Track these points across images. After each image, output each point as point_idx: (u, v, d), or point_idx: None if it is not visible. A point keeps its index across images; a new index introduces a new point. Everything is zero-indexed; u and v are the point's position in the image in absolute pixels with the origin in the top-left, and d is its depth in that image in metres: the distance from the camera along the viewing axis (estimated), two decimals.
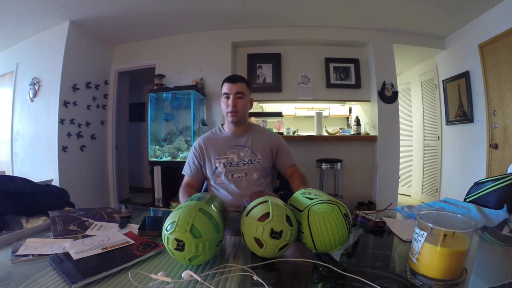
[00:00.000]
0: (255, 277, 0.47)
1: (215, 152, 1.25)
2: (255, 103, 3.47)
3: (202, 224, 0.50)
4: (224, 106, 1.24)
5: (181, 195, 1.21)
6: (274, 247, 0.52)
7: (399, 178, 3.24)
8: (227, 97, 1.22)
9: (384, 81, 3.16)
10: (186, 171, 1.31)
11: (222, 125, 1.36)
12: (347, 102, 3.60)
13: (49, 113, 2.93)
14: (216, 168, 1.24)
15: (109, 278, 0.48)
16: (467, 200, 0.94)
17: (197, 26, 3.17)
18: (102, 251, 0.56)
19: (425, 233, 0.48)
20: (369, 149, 3.24)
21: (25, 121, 3.15)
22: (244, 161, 1.24)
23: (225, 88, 1.22)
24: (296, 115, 3.78)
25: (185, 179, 1.31)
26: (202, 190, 1.36)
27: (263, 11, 2.84)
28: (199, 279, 0.45)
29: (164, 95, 3.22)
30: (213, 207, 0.57)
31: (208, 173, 1.27)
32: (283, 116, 3.32)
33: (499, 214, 0.78)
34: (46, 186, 1.02)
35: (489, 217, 0.78)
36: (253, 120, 3.27)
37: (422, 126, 3.92)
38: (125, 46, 3.60)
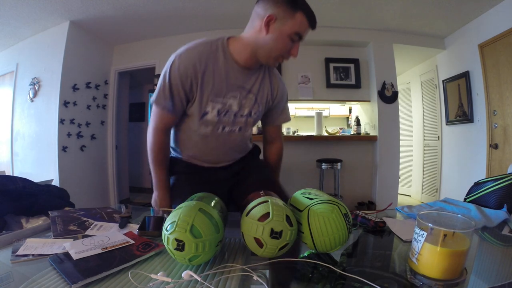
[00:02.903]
0: (255, 277, 0.47)
1: (212, 89, 0.86)
2: None
3: (202, 224, 0.50)
4: (283, 46, 0.81)
5: (155, 156, 0.92)
6: (274, 247, 0.52)
7: (399, 178, 3.24)
8: (294, 40, 0.81)
9: (384, 81, 3.16)
10: (166, 104, 0.86)
11: (228, 39, 0.92)
12: (347, 102, 3.60)
13: (49, 113, 2.93)
14: (205, 114, 0.88)
15: (109, 278, 0.48)
16: (467, 200, 0.94)
17: (197, 26, 3.17)
18: (102, 251, 0.56)
19: (425, 233, 0.48)
20: (369, 149, 3.24)
21: (25, 121, 3.15)
22: (243, 112, 0.94)
23: (301, 27, 0.79)
24: (296, 115, 3.78)
25: (161, 118, 0.89)
26: None
27: None
28: (199, 279, 0.45)
29: None
30: (213, 207, 0.57)
31: (192, 113, 0.89)
32: None
33: (499, 214, 0.78)
34: (46, 186, 1.02)
35: (489, 217, 0.78)
36: None
37: (422, 126, 3.92)
38: (125, 46, 3.60)
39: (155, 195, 0.96)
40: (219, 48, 0.89)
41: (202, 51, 0.87)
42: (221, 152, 0.99)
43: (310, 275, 0.52)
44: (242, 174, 1.06)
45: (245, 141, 1.04)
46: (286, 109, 1.09)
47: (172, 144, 1.04)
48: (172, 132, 1.01)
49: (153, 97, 0.89)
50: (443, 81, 3.37)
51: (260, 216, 0.53)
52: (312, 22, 0.81)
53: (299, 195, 0.66)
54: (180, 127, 0.97)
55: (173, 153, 1.07)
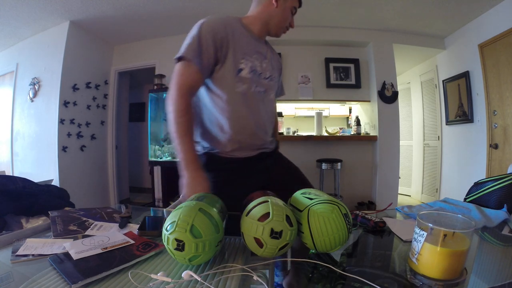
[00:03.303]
0: (255, 277, 0.47)
1: (240, 47, 0.88)
2: None
3: (202, 224, 0.50)
4: (286, 17, 0.97)
5: (181, 122, 0.80)
6: (274, 247, 0.52)
7: (399, 178, 3.24)
8: (293, 13, 0.98)
9: (384, 81, 3.16)
10: (194, 58, 0.82)
11: (242, 18, 0.99)
12: (347, 102, 3.60)
13: (49, 113, 2.93)
14: (240, 70, 0.88)
15: (109, 278, 0.48)
16: (467, 200, 0.94)
17: None
18: (102, 251, 0.56)
19: (425, 233, 0.48)
20: (369, 149, 3.24)
21: (25, 121, 3.15)
22: (265, 75, 0.96)
23: (296, 3, 0.98)
24: (296, 115, 3.78)
25: (188, 75, 0.82)
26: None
27: None
28: (199, 279, 0.45)
29: (164, 95, 3.23)
30: (213, 207, 0.57)
31: (224, 74, 0.87)
32: (283, 116, 3.32)
33: (499, 214, 0.78)
34: (46, 186, 1.02)
35: (489, 217, 0.78)
36: None
37: (422, 126, 3.92)
38: (125, 46, 3.60)
39: (187, 177, 0.78)
40: (235, 19, 0.95)
41: (225, 19, 0.91)
42: (260, 121, 0.95)
43: (310, 275, 0.52)
44: (276, 170, 1.04)
45: (274, 111, 1.08)
46: (282, 83, 1.16)
47: (209, 136, 0.94)
48: (208, 121, 0.92)
49: (178, 54, 0.83)
50: (443, 81, 3.37)
51: (260, 216, 0.53)
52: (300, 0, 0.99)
53: (299, 195, 0.66)
54: (221, 103, 0.89)
55: (207, 148, 0.94)
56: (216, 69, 0.87)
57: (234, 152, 0.93)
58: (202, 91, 0.91)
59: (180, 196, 0.82)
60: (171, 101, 0.81)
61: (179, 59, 0.83)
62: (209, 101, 0.90)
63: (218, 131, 0.91)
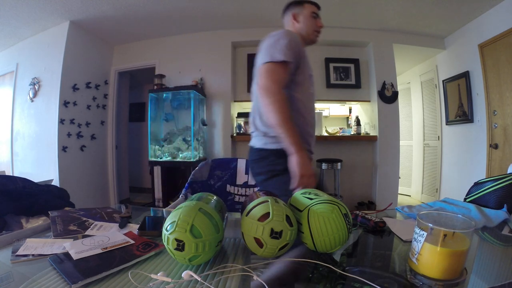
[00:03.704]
0: (255, 277, 0.47)
1: (307, 56, 1.10)
2: None
3: (202, 224, 0.50)
4: (311, 24, 1.16)
5: (286, 112, 0.92)
6: (274, 247, 0.52)
7: (399, 178, 3.24)
8: (316, 17, 1.18)
9: (384, 81, 3.16)
10: (285, 61, 0.96)
11: None
12: (347, 102, 3.60)
13: (49, 113, 2.93)
14: (311, 75, 1.12)
15: (109, 278, 0.48)
16: (467, 200, 0.94)
17: (197, 26, 3.17)
18: (102, 251, 0.57)
19: (425, 233, 0.48)
20: (369, 149, 3.24)
21: (25, 121, 3.15)
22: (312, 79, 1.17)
23: (314, 9, 1.19)
24: None
25: (280, 73, 0.96)
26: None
27: (263, 11, 2.84)
28: (199, 279, 0.45)
29: (164, 95, 3.22)
30: (213, 207, 0.57)
31: (300, 78, 1.04)
32: None
33: (499, 214, 0.78)
34: (46, 186, 1.02)
35: (489, 217, 0.78)
36: None
37: (422, 126, 3.92)
38: (125, 46, 3.60)
39: (299, 156, 0.91)
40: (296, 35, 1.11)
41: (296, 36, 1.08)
42: (315, 124, 1.16)
43: (310, 275, 0.52)
44: None
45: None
46: None
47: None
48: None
49: (270, 57, 0.96)
50: (443, 81, 3.37)
51: (260, 216, 0.53)
52: (314, 3, 1.21)
53: (299, 195, 0.66)
54: (298, 104, 1.05)
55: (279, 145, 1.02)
56: (297, 73, 1.04)
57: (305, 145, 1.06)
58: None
59: (293, 173, 0.93)
60: (271, 94, 0.93)
61: (272, 61, 0.96)
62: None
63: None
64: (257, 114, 1.09)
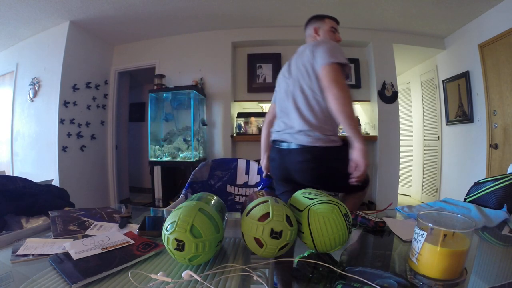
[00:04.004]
0: (255, 277, 0.47)
1: None
2: (255, 103, 3.49)
3: (202, 224, 0.50)
4: (330, 38, 1.31)
5: (352, 108, 1.06)
6: (274, 247, 0.52)
7: (399, 178, 3.24)
8: (334, 32, 1.35)
9: (384, 81, 3.16)
10: (344, 64, 1.21)
11: None
12: None
13: (49, 113, 2.93)
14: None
15: (109, 278, 0.48)
16: (467, 200, 0.94)
17: (197, 26, 3.17)
18: (102, 251, 0.57)
19: (425, 233, 0.48)
20: (369, 149, 3.24)
21: (25, 121, 3.15)
22: None
23: (334, 24, 1.36)
24: None
25: (343, 75, 1.14)
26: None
27: (263, 11, 2.84)
28: (199, 279, 0.45)
29: (164, 95, 3.22)
30: (213, 207, 0.57)
31: None
32: None
33: (499, 214, 0.78)
34: (46, 186, 1.02)
35: (489, 217, 0.78)
36: (252, 120, 3.27)
37: (422, 126, 3.92)
38: (125, 46, 3.60)
39: (362, 149, 1.02)
40: None
41: None
42: None
43: (310, 275, 0.52)
44: None
45: None
46: None
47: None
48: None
49: (336, 58, 1.08)
50: (443, 81, 3.37)
51: (260, 216, 0.53)
52: (334, 19, 1.39)
53: (299, 195, 0.66)
54: None
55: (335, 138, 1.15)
56: None
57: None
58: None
59: (358, 163, 1.02)
60: (345, 88, 1.04)
61: (338, 62, 1.08)
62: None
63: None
64: (309, 111, 1.14)
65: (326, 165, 1.13)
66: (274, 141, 1.28)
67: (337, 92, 1.03)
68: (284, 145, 1.20)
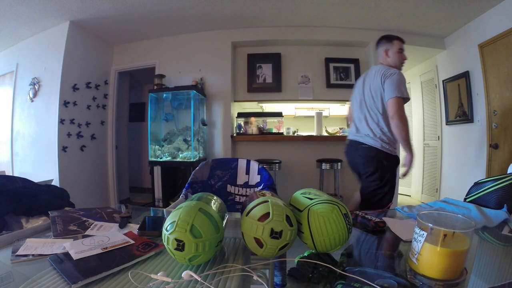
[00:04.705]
0: (255, 277, 0.47)
1: None
2: (254, 103, 3.49)
3: (202, 224, 0.50)
4: (399, 58, 1.69)
5: (408, 128, 1.48)
6: (274, 247, 0.52)
7: (399, 178, 3.24)
8: (401, 52, 1.70)
9: None
10: (407, 94, 1.52)
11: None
12: (347, 102, 3.59)
13: (49, 113, 2.93)
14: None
15: (109, 278, 0.48)
16: (467, 200, 0.94)
17: (197, 26, 3.17)
18: (102, 251, 0.57)
19: (425, 233, 0.48)
20: None
21: (25, 121, 3.15)
22: None
23: (401, 45, 1.71)
24: (296, 115, 3.78)
25: (404, 103, 1.51)
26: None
27: (263, 11, 2.84)
28: (199, 279, 0.45)
29: (164, 95, 3.22)
30: (213, 207, 0.57)
31: None
32: (283, 116, 3.32)
33: (499, 214, 0.78)
34: (46, 186, 1.02)
35: (489, 217, 0.78)
36: (252, 120, 3.27)
37: (422, 126, 3.92)
38: (125, 46, 3.60)
39: (412, 158, 1.53)
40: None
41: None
42: None
43: (310, 275, 0.52)
44: None
45: None
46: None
47: (388, 135, 1.58)
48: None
49: (401, 93, 1.49)
50: (443, 81, 3.37)
51: (260, 216, 0.53)
52: (401, 39, 1.75)
53: (299, 195, 0.66)
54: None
55: (389, 147, 1.60)
56: None
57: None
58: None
59: (406, 164, 1.57)
60: (404, 120, 1.49)
61: (402, 97, 1.49)
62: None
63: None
64: (373, 124, 1.60)
65: (378, 161, 1.57)
66: (349, 141, 1.76)
67: (398, 122, 1.47)
68: (354, 144, 1.68)
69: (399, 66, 1.68)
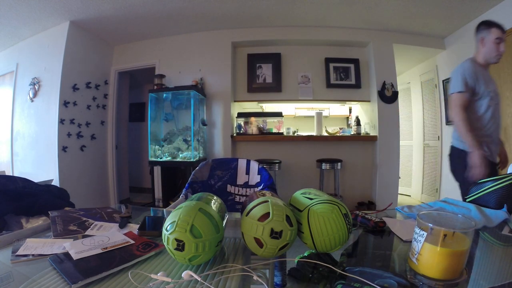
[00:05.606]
0: (255, 277, 0.47)
1: (484, 79, 1.51)
2: (254, 103, 3.49)
3: (202, 224, 0.50)
4: (493, 49, 1.48)
5: (464, 123, 1.42)
6: (274, 247, 0.52)
7: (399, 178, 3.24)
8: (499, 43, 1.46)
9: (384, 81, 3.16)
10: (462, 87, 1.47)
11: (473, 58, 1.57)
12: (347, 102, 3.60)
13: (49, 113, 2.93)
14: (489, 92, 1.50)
15: (109, 278, 0.48)
16: (467, 200, 0.94)
17: (197, 26, 3.17)
18: (102, 251, 0.57)
19: (425, 233, 0.48)
20: (369, 149, 3.24)
21: (25, 121, 3.15)
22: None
23: (499, 33, 1.45)
24: (296, 115, 3.78)
25: (459, 97, 1.47)
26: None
27: (263, 11, 2.84)
28: (199, 279, 0.45)
29: (164, 95, 3.22)
30: (213, 207, 0.57)
31: (475, 99, 1.50)
32: (283, 116, 3.32)
33: (499, 214, 0.78)
34: (46, 186, 1.02)
35: (489, 217, 0.78)
36: (252, 120, 3.27)
37: (422, 126, 3.92)
38: (125, 46, 3.60)
39: (475, 154, 1.39)
40: (474, 61, 1.55)
41: (472, 64, 1.53)
42: (492, 129, 1.59)
43: (310, 275, 0.52)
44: None
45: None
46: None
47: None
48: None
49: (452, 88, 1.50)
50: (443, 81, 3.37)
51: (260, 216, 0.53)
52: (500, 27, 1.48)
53: (299, 195, 0.66)
54: (473, 120, 1.52)
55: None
56: (473, 96, 1.48)
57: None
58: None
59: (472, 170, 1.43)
60: (456, 116, 1.50)
61: (453, 92, 1.49)
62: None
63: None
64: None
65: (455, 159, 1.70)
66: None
67: (453, 118, 1.51)
68: None
69: (493, 59, 1.51)
